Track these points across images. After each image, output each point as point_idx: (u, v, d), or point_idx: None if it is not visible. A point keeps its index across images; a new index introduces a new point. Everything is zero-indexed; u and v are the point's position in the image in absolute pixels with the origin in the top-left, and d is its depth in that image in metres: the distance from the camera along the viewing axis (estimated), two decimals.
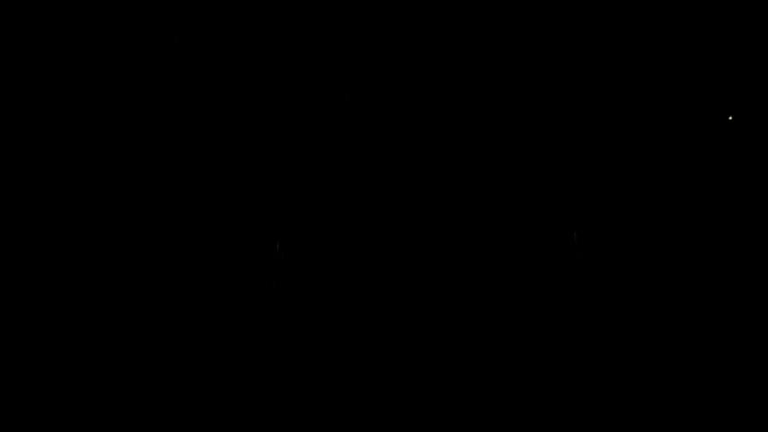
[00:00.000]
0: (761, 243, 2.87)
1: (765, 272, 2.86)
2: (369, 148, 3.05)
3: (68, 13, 3.03)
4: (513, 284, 2.96)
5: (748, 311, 2.85)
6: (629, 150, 2.96)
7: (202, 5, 3.06)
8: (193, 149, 3.05)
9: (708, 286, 2.90)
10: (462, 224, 3.00)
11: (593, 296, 2.93)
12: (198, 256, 2.99)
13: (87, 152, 3.02)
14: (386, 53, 3.06)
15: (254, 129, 3.06)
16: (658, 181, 2.94)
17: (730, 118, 2.86)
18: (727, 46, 2.92)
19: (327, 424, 2.80)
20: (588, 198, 2.97)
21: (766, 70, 2.89)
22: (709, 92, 2.93)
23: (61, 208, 2.99)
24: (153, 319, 2.94)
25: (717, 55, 2.93)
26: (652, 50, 2.95)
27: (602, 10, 2.99)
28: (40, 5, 3.02)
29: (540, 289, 2.96)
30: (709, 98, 2.93)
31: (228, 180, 3.04)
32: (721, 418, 2.73)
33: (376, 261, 3.00)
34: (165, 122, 3.05)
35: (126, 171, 3.02)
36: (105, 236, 2.98)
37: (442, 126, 3.04)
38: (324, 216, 3.03)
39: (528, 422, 2.78)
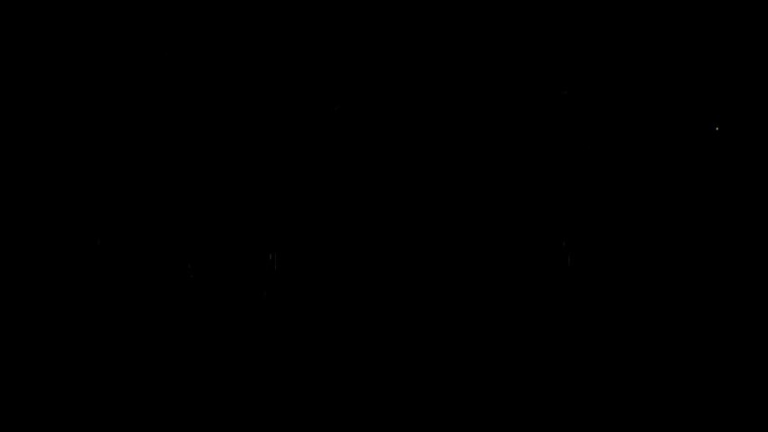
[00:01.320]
0: (749, 249, 2.92)
1: (754, 279, 2.90)
2: (360, 161, 3.06)
3: (61, 26, 3.03)
4: (502, 292, 2.97)
5: (740, 317, 2.89)
6: (617, 158, 3.00)
7: (192, 19, 3.07)
8: (185, 160, 3.04)
9: (698, 292, 2.93)
10: (453, 235, 3.02)
11: (583, 303, 2.95)
12: (190, 266, 2.97)
13: (79, 164, 3.00)
14: (376, 67, 3.09)
15: (246, 141, 3.06)
16: (647, 189, 2.98)
17: (717, 129, 2.92)
18: (713, 57, 2.99)
19: None
20: (577, 205, 3.00)
21: (751, 82, 2.95)
22: (694, 102, 2.99)
23: (52, 219, 2.97)
24: (142, 328, 2.92)
25: (701, 65, 2.99)
26: (637, 63, 3.01)
27: (591, 21, 3.04)
28: (29, 23, 3.01)
29: (529, 296, 2.97)
30: (695, 108, 2.98)
31: (220, 191, 3.03)
32: (713, 423, 2.76)
33: (369, 272, 3.00)
34: (156, 135, 3.04)
35: (118, 182, 3.01)
36: (96, 245, 2.96)
37: (433, 137, 3.07)
38: (317, 226, 3.03)
39: (520, 425, 2.78)
